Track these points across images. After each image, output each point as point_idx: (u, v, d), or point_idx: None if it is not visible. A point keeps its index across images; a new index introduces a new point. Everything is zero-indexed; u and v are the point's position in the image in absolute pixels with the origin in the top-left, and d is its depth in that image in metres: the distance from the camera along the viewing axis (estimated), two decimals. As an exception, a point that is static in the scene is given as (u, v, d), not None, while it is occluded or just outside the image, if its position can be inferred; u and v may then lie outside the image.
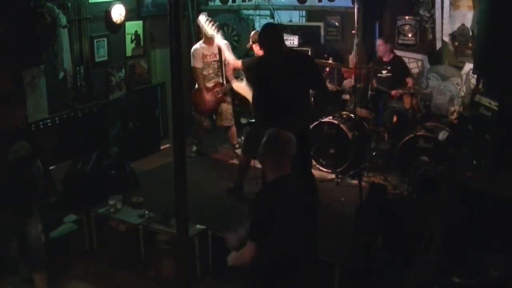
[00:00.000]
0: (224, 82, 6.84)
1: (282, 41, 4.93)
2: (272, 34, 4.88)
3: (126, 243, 5.07)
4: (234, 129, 7.07)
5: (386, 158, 6.71)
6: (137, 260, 5.04)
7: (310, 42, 7.60)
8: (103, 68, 6.82)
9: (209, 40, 6.64)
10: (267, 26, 5.15)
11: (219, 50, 6.69)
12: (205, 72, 6.75)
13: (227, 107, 6.90)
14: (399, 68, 6.92)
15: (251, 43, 6.85)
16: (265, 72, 4.84)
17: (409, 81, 6.86)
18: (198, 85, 6.82)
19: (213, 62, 6.73)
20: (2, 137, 4.18)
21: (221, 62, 6.76)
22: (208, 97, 6.77)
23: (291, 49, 5.78)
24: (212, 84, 6.79)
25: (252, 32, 7.03)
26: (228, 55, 6.52)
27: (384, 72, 6.84)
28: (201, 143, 7.32)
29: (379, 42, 7.04)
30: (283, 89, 4.68)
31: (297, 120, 4.69)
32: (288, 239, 3.20)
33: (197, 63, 6.71)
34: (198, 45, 6.76)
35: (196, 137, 7.26)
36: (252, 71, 5.29)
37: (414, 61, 7.36)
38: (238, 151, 7.05)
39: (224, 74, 6.82)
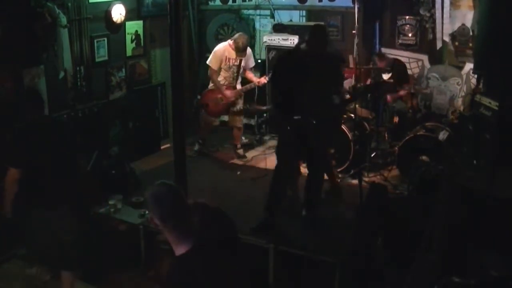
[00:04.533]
0: (238, 86, 6.97)
1: (324, 41, 5.08)
2: (317, 34, 5.03)
3: (126, 243, 5.06)
4: (241, 130, 7.14)
5: (386, 158, 6.71)
6: (137, 260, 5.04)
7: (310, 42, 7.59)
8: (103, 68, 6.81)
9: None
10: (316, 26, 5.38)
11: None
12: (224, 74, 6.82)
13: (241, 109, 7.01)
14: (400, 73, 6.91)
15: None
16: (296, 66, 4.99)
17: (405, 86, 6.81)
18: (214, 84, 6.89)
19: (233, 66, 6.79)
20: None
21: (239, 66, 6.84)
22: (227, 95, 6.82)
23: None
24: (226, 87, 6.85)
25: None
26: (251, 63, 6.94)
27: (385, 77, 6.84)
28: (205, 143, 7.32)
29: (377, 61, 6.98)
30: (310, 84, 4.85)
31: (318, 113, 4.91)
32: None
33: (213, 64, 6.79)
34: (222, 46, 6.84)
35: (200, 136, 7.28)
36: (281, 63, 5.36)
37: (414, 61, 7.36)
38: (240, 151, 7.09)
39: (238, 78, 6.94)
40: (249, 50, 6.95)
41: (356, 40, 6.55)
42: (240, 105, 7.02)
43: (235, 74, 6.87)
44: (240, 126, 7.12)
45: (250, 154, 7.26)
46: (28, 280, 4.78)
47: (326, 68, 4.98)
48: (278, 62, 5.49)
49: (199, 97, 7.22)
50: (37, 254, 4.60)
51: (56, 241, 4.23)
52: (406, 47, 7.38)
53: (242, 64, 6.84)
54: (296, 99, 4.95)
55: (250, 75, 7.07)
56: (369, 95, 6.62)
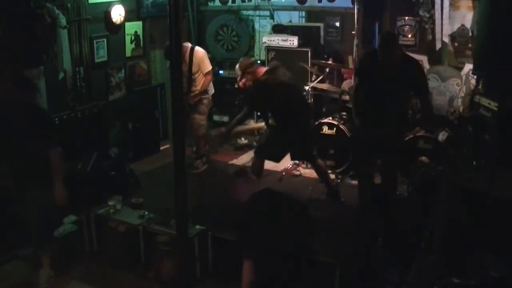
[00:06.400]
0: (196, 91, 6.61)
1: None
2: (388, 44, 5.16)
3: (126, 244, 5.06)
4: (202, 140, 6.90)
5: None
6: (137, 260, 5.04)
7: (309, 43, 7.60)
8: (103, 69, 6.82)
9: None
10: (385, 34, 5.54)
11: (190, 58, 6.44)
12: None
13: (193, 117, 6.69)
14: None
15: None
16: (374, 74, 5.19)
17: None
18: None
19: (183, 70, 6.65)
20: None
21: (190, 70, 6.47)
22: None
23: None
24: None
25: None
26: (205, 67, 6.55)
27: None
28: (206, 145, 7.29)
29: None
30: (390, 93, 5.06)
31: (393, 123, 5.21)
32: None
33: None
34: None
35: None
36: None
37: (413, 62, 7.35)
38: (198, 162, 6.85)
39: (192, 84, 6.57)
40: (201, 53, 6.54)
41: (355, 41, 6.55)
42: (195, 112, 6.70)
43: (186, 79, 6.38)
44: (197, 135, 6.80)
45: (249, 155, 7.25)
46: (29, 281, 4.78)
47: (404, 77, 5.08)
48: (363, 70, 5.58)
49: None
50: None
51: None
52: (406, 47, 7.35)
53: (194, 70, 6.48)
54: (381, 110, 5.11)
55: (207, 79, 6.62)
56: None
